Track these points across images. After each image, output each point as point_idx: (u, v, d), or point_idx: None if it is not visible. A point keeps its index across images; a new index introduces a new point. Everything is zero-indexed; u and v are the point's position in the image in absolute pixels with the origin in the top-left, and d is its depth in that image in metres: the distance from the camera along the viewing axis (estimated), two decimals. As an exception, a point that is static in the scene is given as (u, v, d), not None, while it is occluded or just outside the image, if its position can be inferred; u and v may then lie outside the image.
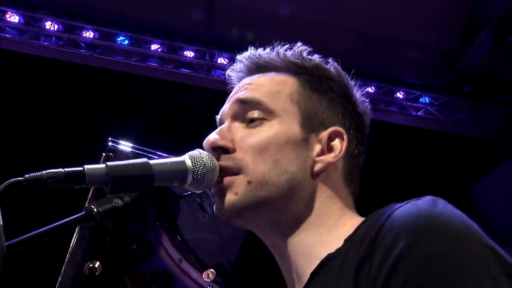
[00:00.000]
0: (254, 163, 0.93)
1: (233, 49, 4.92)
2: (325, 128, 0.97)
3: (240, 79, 1.07)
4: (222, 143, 0.96)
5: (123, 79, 4.66)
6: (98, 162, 0.88)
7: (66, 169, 0.75)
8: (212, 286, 1.84)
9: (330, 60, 1.04)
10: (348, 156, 0.98)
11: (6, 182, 0.69)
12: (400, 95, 5.16)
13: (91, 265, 1.40)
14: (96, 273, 1.39)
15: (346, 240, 0.84)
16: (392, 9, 4.84)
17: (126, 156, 1.46)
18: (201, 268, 1.82)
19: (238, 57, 1.07)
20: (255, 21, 4.81)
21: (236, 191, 0.93)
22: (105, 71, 4.59)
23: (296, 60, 1.02)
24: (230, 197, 0.93)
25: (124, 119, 4.49)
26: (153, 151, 1.36)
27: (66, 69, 4.50)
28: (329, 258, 0.84)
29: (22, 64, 4.44)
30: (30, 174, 0.72)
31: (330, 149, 0.96)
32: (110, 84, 4.64)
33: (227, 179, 0.94)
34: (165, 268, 1.83)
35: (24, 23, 4.39)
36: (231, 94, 1.05)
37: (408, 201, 0.77)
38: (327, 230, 0.92)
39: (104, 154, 1.37)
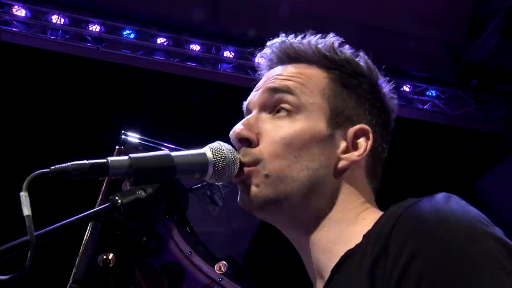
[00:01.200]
0: (272, 157, 0.93)
1: (239, 42, 4.93)
2: (352, 124, 0.97)
3: (269, 67, 1.06)
4: (247, 134, 0.96)
5: (129, 73, 4.66)
6: (108, 155, 0.88)
7: (90, 161, 0.76)
8: (221, 279, 1.85)
9: (360, 53, 1.04)
10: (372, 153, 0.98)
11: (33, 173, 0.70)
12: (406, 88, 5.14)
13: (105, 256, 1.41)
14: (110, 265, 1.40)
15: (365, 236, 0.84)
16: (398, 1, 4.81)
17: (138, 149, 1.47)
18: (211, 260, 1.83)
19: (269, 43, 1.06)
20: (260, 14, 4.79)
21: (257, 183, 0.93)
22: (111, 64, 4.60)
23: (328, 54, 1.01)
24: (252, 189, 0.94)
25: (130, 112, 4.49)
26: (169, 145, 1.37)
27: (73, 63, 4.51)
28: (349, 254, 0.85)
29: (29, 58, 4.44)
30: (56, 166, 0.73)
31: (355, 146, 0.96)
32: (116, 77, 4.65)
33: (246, 169, 0.94)
34: (175, 261, 1.84)
35: (30, 16, 4.40)
36: (260, 83, 1.05)
37: (421, 197, 0.77)
38: (347, 225, 0.92)
39: (117, 147, 1.37)
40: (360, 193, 0.96)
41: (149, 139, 1.46)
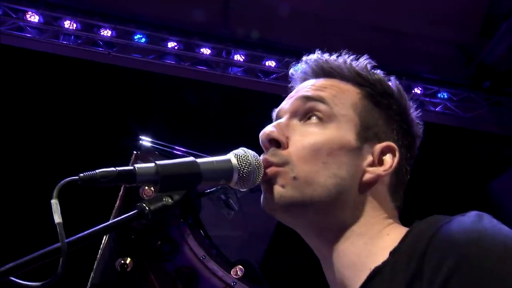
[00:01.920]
0: (301, 161, 0.94)
1: (250, 46, 4.93)
2: (379, 141, 0.98)
3: (303, 80, 1.09)
4: (277, 136, 0.97)
5: (140, 77, 4.69)
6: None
7: (118, 168, 0.76)
8: (236, 283, 1.84)
9: (392, 77, 1.06)
10: (396, 172, 0.99)
11: (62, 181, 0.70)
12: (418, 90, 5.10)
13: (122, 261, 1.41)
14: (128, 269, 1.40)
15: (391, 253, 0.85)
16: (410, 3, 4.78)
17: (154, 154, 1.48)
18: (226, 264, 1.83)
19: (304, 58, 1.09)
20: (271, 18, 4.80)
21: (283, 184, 0.94)
22: (122, 69, 4.63)
23: (362, 72, 1.03)
24: (278, 189, 0.94)
25: (141, 116, 4.52)
26: (183, 149, 1.37)
27: (85, 67, 4.55)
28: (376, 272, 0.85)
29: (42, 63, 4.49)
30: (85, 173, 0.74)
31: (380, 162, 0.97)
32: (128, 81, 4.68)
33: (271, 169, 0.95)
34: (189, 265, 1.84)
35: (44, 22, 4.45)
36: (292, 93, 1.07)
37: (453, 216, 0.78)
38: (371, 239, 0.93)
39: (134, 152, 1.38)
40: (382, 208, 0.97)
41: (164, 143, 1.46)
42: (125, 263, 1.41)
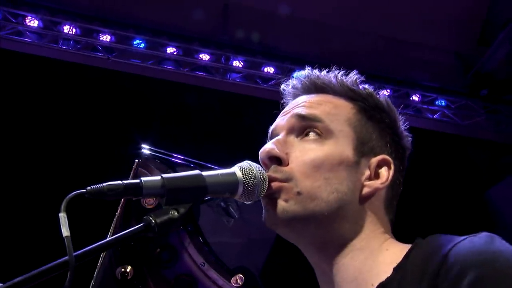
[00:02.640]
0: (304, 176, 0.95)
1: (249, 52, 4.93)
2: (375, 155, 1.00)
3: (295, 96, 1.09)
4: (278, 153, 0.98)
5: (139, 82, 4.69)
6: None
7: (124, 181, 0.76)
8: (234, 290, 1.84)
9: (380, 92, 1.08)
10: (392, 185, 1.01)
11: (70, 194, 0.71)
12: (416, 98, 5.12)
13: (122, 269, 1.41)
14: (128, 277, 1.40)
15: (395, 269, 0.86)
16: (408, 11, 4.81)
17: (155, 162, 1.48)
18: (225, 272, 1.83)
19: (296, 74, 1.12)
20: (271, 24, 4.81)
21: (287, 199, 0.94)
22: (121, 74, 4.63)
23: (353, 87, 1.05)
24: (281, 204, 0.94)
25: (140, 121, 4.52)
26: (187, 158, 1.38)
27: (84, 72, 4.55)
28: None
29: (41, 68, 4.49)
30: (92, 187, 0.74)
31: (377, 175, 0.99)
32: (127, 87, 4.68)
33: (275, 184, 0.95)
34: (188, 272, 1.84)
35: (43, 27, 4.45)
36: (286, 109, 1.07)
37: (462, 237, 0.80)
38: (371, 254, 0.94)
39: (136, 160, 1.38)
40: (379, 222, 0.98)
41: (164, 151, 1.47)
42: (125, 271, 1.41)
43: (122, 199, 1.37)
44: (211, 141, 4.60)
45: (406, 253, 0.87)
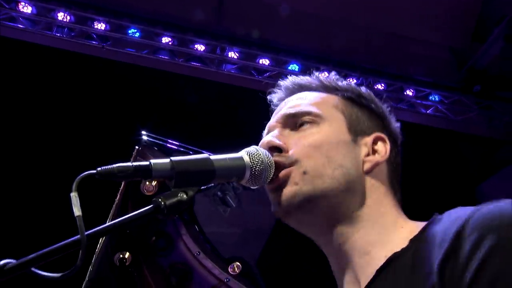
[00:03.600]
0: (306, 158, 0.98)
1: (244, 43, 4.91)
2: (369, 135, 1.05)
3: (281, 99, 1.16)
4: (278, 143, 1.02)
5: (133, 71, 4.66)
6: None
7: (134, 163, 0.77)
8: (229, 280, 1.85)
9: (362, 87, 1.14)
10: (390, 161, 1.06)
11: (81, 175, 0.71)
12: (409, 92, 5.14)
13: (121, 255, 1.41)
14: (126, 264, 1.40)
15: (412, 240, 0.88)
16: (403, 5, 4.81)
17: (152, 149, 1.47)
18: (220, 261, 1.83)
19: (279, 82, 1.17)
20: (266, 15, 4.80)
21: (296, 182, 0.97)
22: (116, 63, 4.60)
23: (332, 83, 1.12)
24: (291, 188, 0.97)
25: (134, 110, 4.50)
26: (190, 147, 1.38)
27: (78, 61, 4.51)
28: (395, 257, 0.88)
29: (34, 55, 4.44)
30: (102, 168, 0.74)
31: (374, 152, 1.04)
32: (121, 76, 4.65)
33: (282, 172, 0.98)
34: (183, 261, 1.84)
35: (36, 13, 4.39)
36: (276, 110, 1.13)
37: (485, 203, 0.81)
38: (385, 229, 0.96)
39: (136, 147, 1.38)
40: (387, 197, 1.02)
41: (161, 138, 1.46)
42: (124, 257, 1.41)
43: (122, 186, 1.37)
44: (205, 131, 4.60)
45: (423, 227, 0.89)
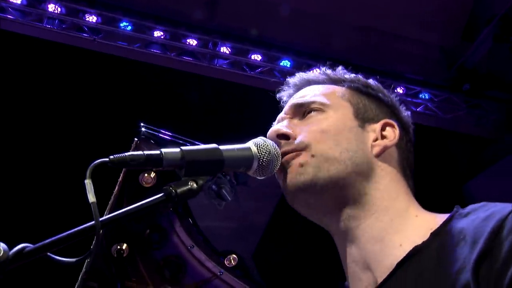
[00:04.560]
0: (315, 142, 1.00)
1: (236, 38, 4.90)
2: (377, 122, 1.06)
3: (290, 96, 1.18)
4: (285, 130, 1.03)
5: (125, 65, 4.63)
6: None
7: (146, 152, 0.78)
8: (222, 273, 1.86)
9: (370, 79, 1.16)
10: (400, 148, 1.06)
11: (94, 162, 0.72)
12: (400, 90, 5.18)
13: (118, 247, 1.42)
14: (124, 255, 1.41)
15: (434, 234, 0.88)
16: (395, 4, 4.84)
17: (149, 142, 1.48)
18: (214, 254, 1.85)
19: (288, 79, 1.19)
20: (259, 11, 4.79)
21: (302, 163, 0.98)
22: (107, 56, 4.57)
23: (340, 75, 1.14)
24: (296, 169, 0.98)
25: (125, 105, 4.47)
26: (183, 137, 1.38)
27: (69, 53, 4.47)
28: (417, 251, 0.88)
29: (24, 46, 4.39)
30: (115, 156, 0.75)
31: (383, 137, 1.04)
32: (112, 69, 4.62)
33: (289, 155, 0.99)
34: (177, 254, 1.85)
35: (27, 4, 4.34)
36: (285, 106, 1.16)
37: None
38: (398, 216, 0.96)
39: (136, 139, 1.38)
40: (398, 183, 1.02)
41: (155, 128, 1.47)
42: (121, 249, 1.41)
43: (120, 178, 1.37)
44: (196, 126, 4.59)
45: (444, 221, 0.89)
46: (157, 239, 1.77)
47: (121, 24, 4.60)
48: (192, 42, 4.78)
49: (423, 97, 5.21)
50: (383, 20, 4.90)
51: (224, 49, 4.85)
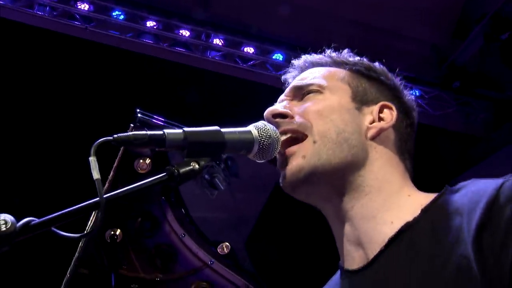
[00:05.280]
0: (316, 124, 1.01)
1: (229, 30, 4.88)
2: (375, 104, 1.07)
3: (294, 77, 1.19)
4: (281, 110, 1.05)
5: (117, 54, 4.60)
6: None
7: (149, 132, 0.78)
8: (213, 262, 1.87)
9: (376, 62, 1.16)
10: (398, 130, 1.07)
11: (98, 140, 0.72)
12: (391, 86, 5.21)
13: (112, 232, 1.42)
14: (118, 240, 1.41)
15: (424, 210, 0.90)
16: (388, 0, 4.87)
17: (143, 129, 1.47)
18: (205, 243, 1.85)
19: (293, 61, 1.21)
20: (252, 4, 4.79)
21: (304, 154, 0.99)
22: (98, 45, 4.53)
23: (344, 58, 1.15)
24: (297, 162, 0.99)
25: (114, 93, 4.44)
26: (175, 123, 1.39)
27: (59, 41, 4.42)
28: (409, 226, 0.90)
29: (14, 33, 4.33)
30: (118, 135, 0.75)
31: (380, 120, 1.05)
32: (104, 58, 4.58)
33: (292, 148, 1.01)
34: (169, 242, 1.85)
35: (17, -10, 4.29)
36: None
37: (505, 176, 0.83)
38: (390, 196, 0.98)
39: (131, 125, 1.38)
40: (394, 165, 1.04)
41: (148, 113, 1.47)
42: (115, 234, 1.41)
43: (116, 163, 1.37)
44: (187, 118, 4.58)
45: (435, 198, 0.91)
46: (149, 227, 1.77)
47: (114, 13, 4.56)
48: (185, 33, 4.76)
49: (414, 93, 5.24)
50: (376, 16, 4.92)
51: (217, 41, 4.84)
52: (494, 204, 0.78)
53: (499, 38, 4.66)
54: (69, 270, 1.35)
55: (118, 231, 1.47)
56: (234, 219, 1.82)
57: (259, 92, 4.78)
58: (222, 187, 1.68)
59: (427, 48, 5.26)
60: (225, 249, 1.57)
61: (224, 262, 1.83)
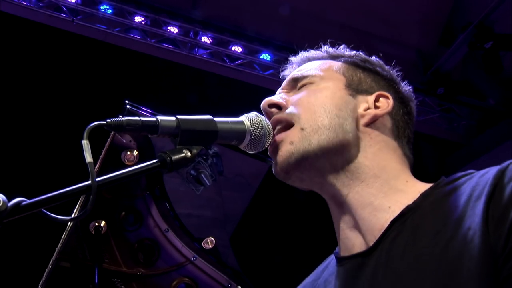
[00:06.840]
0: (305, 112, 1.02)
1: (218, 29, 4.87)
2: (371, 94, 1.07)
3: (290, 72, 1.20)
4: (276, 100, 1.07)
5: (103, 49, 4.55)
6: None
7: (142, 118, 0.78)
8: (196, 258, 1.87)
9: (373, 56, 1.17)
10: (395, 118, 1.07)
11: (91, 124, 0.71)
12: (376, 90, 5.26)
13: (96, 224, 1.40)
14: (102, 232, 1.39)
15: (424, 195, 0.91)
16: (374, 4, 4.92)
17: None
18: (188, 239, 1.85)
19: (291, 58, 1.22)
20: (241, 4, 4.79)
21: (291, 141, 1.00)
22: (85, 38, 4.48)
23: (336, 50, 1.17)
24: (286, 148, 1.00)
25: (99, 88, 4.40)
26: (155, 112, 1.37)
27: (45, 33, 4.35)
28: (410, 209, 0.91)
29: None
30: (112, 119, 0.74)
31: (376, 108, 1.06)
32: (90, 52, 4.53)
33: (279, 136, 1.01)
34: (151, 237, 1.84)
35: (3, -21, 4.22)
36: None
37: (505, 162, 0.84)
38: (387, 182, 0.98)
39: (120, 116, 1.37)
40: (390, 151, 1.04)
41: (136, 105, 1.46)
42: (99, 226, 1.40)
43: (102, 154, 1.36)
44: (170, 114, 4.54)
45: (434, 184, 0.92)
46: (133, 221, 1.76)
47: (101, 7, 4.52)
48: (173, 30, 4.73)
49: (399, 98, 5.29)
50: (362, 19, 4.97)
51: (205, 39, 4.83)
52: (498, 184, 0.80)
53: (483, 47, 4.74)
54: (51, 261, 1.33)
55: (103, 223, 1.46)
56: (219, 216, 1.82)
57: (245, 92, 4.79)
58: (208, 183, 1.68)
59: (413, 53, 5.33)
60: (209, 243, 1.57)
61: (207, 259, 1.83)
